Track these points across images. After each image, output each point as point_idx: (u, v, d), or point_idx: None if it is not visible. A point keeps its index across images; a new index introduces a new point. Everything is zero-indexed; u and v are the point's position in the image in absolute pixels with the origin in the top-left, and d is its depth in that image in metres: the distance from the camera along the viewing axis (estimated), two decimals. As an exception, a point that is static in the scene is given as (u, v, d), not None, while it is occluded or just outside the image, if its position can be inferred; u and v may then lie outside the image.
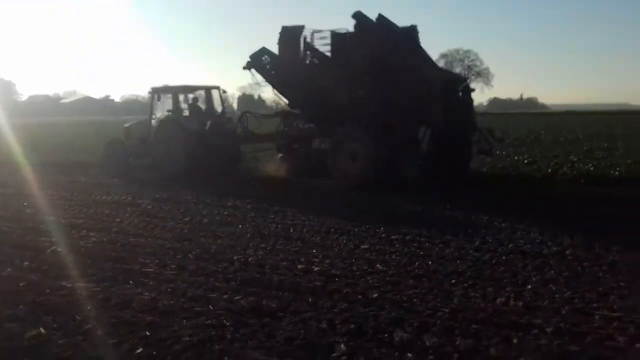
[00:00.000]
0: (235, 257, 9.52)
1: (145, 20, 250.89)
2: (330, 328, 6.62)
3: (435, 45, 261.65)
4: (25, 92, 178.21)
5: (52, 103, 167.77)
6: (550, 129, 42.98)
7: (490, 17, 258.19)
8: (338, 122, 18.31)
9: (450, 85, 17.77)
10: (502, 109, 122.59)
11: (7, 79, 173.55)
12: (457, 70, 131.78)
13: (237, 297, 7.60)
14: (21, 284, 8.34)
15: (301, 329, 6.60)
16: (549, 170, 18.68)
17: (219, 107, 21.84)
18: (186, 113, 21.29)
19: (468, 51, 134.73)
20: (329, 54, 18.95)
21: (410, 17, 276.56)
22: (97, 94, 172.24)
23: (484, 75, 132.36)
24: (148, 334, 6.53)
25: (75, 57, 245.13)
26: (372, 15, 18.10)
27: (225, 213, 13.37)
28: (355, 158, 17.32)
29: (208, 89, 22.10)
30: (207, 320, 6.85)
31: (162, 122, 21.06)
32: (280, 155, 20.64)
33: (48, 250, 10.28)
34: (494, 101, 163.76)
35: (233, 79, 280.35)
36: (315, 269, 8.87)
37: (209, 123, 20.78)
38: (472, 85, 20.58)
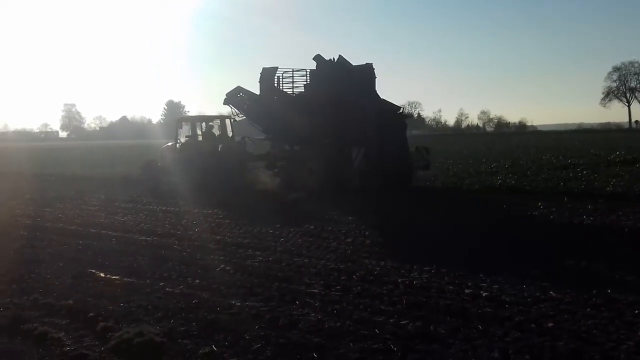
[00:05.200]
0: (399, 280, 9.34)
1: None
2: (503, 357, 6.31)
3: (606, 57, 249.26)
4: (192, 112, 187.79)
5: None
6: None
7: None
8: (301, 145, 23.32)
9: (384, 114, 21.65)
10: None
11: (177, 100, 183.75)
12: (632, 84, 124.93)
13: (404, 322, 7.42)
14: (193, 302, 8.63)
15: (472, 357, 6.34)
16: None
17: (230, 133, 25.58)
18: (200, 138, 25.30)
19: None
20: (297, 89, 23.69)
21: (583, 30, 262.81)
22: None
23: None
24: (315, 356, 6.52)
25: (240, 76, 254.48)
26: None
27: (388, 233, 13.20)
28: (311, 173, 21.74)
29: (222, 118, 26.44)
30: (374, 345, 6.73)
31: (182, 145, 25.47)
32: (273, 171, 24.20)
33: (217, 269, 10.61)
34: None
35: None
36: (484, 294, 8.50)
37: (220, 146, 24.87)
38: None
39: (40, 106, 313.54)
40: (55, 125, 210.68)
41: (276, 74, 23.47)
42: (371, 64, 22.58)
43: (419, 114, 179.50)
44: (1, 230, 15.37)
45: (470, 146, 55.53)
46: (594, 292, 8.38)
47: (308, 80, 23.28)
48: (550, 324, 7.17)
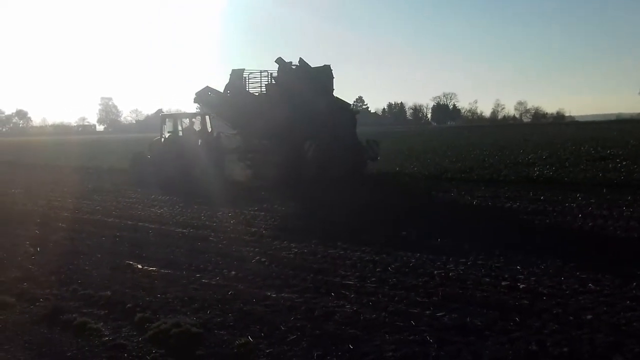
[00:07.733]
0: (435, 272, 9.28)
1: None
2: (540, 350, 6.24)
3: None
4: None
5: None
6: None
7: None
8: (264, 139, 24.95)
9: (336, 110, 24.29)
10: None
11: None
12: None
13: (440, 314, 7.39)
14: (229, 293, 8.69)
15: (509, 350, 6.27)
16: None
17: (209, 128, 27.35)
18: (180, 133, 26.92)
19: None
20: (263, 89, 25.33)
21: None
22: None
23: None
24: (351, 347, 6.51)
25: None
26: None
27: (423, 225, 13.13)
28: (274, 165, 23.38)
29: (203, 115, 28.09)
30: (410, 336, 6.71)
31: (165, 140, 27.14)
32: (246, 164, 25.93)
33: (253, 260, 10.66)
34: None
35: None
36: (521, 286, 8.41)
37: (200, 141, 26.62)
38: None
39: (78, 100, 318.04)
40: (92, 118, 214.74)
41: (243, 75, 25.37)
42: (329, 65, 24.77)
43: (454, 105, 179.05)
44: (40, 222, 15.62)
45: (507, 137, 54.88)
46: (634, 284, 8.26)
47: (270, 80, 24.98)
48: (588, 317, 7.08)
